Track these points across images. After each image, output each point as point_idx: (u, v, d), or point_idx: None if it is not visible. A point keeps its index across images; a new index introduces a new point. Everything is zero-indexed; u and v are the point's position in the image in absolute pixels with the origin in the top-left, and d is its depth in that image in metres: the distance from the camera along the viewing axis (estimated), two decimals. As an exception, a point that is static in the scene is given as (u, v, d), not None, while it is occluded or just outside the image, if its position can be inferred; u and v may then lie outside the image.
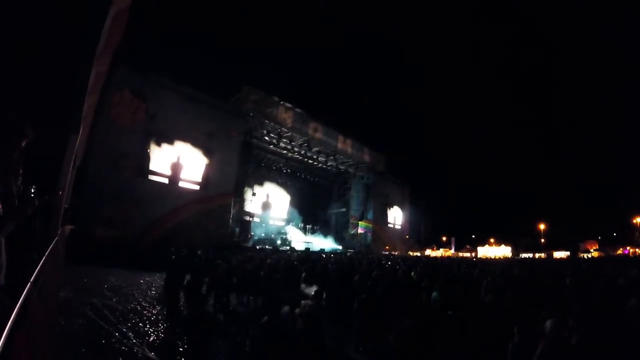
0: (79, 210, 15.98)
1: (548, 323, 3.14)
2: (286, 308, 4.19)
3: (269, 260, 11.06)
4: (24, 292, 2.65)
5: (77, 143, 8.37)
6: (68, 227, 13.53)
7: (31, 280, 3.20)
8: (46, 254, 4.57)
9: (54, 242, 6.34)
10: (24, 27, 5.93)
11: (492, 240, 58.57)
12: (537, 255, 45.73)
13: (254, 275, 8.89)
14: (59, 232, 8.22)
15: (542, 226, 51.78)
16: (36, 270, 3.52)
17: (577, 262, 19.95)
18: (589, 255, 40.44)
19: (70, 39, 6.84)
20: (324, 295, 5.69)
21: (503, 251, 52.34)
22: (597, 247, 48.14)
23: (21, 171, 2.64)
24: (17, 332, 2.01)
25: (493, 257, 38.25)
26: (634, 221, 43.93)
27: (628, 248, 42.56)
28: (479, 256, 47.34)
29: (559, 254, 44.69)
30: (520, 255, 47.07)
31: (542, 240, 51.57)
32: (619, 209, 47.75)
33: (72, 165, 8.16)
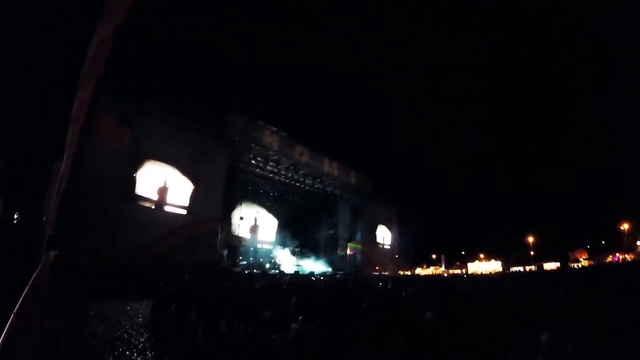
0: (64, 236, 15.60)
1: (544, 335, 3.13)
2: (274, 336, 4.14)
3: (257, 285, 10.87)
4: (7, 324, 2.55)
5: (62, 169, 8.27)
6: (53, 254, 13.20)
7: (14, 311, 3.09)
8: (30, 282, 4.44)
9: (38, 269, 6.18)
10: (5, 54, 5.90)
11: (481, 255, 58.58)
12: (527, 267, 45.81)
13: (243, 302, 8.71)
14: (44, 258, 8.01)
15: (530, 239, 52.10)
16: (19, 301, 3.40)
17: (568, 272, 20.09)
18: (580, 265, 40.68)
19: (53, 67, 6.82)
20: (314, 318, 5.60)
21: (493, 266, 52.30)
22: (587, 256, 48.39)
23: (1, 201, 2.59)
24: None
25: (484, 273, 38.17)
26: (621, 227, 44.51)
27: (617, 255, 42.87)
28: (469, 272, 47.19)
29: (549, 265, 44.83)
30: (511, 269, 47.07)
31: (532, 252, 51.76)
32: (605, 216, 48.24)
33: (56, 191, 8.04)
